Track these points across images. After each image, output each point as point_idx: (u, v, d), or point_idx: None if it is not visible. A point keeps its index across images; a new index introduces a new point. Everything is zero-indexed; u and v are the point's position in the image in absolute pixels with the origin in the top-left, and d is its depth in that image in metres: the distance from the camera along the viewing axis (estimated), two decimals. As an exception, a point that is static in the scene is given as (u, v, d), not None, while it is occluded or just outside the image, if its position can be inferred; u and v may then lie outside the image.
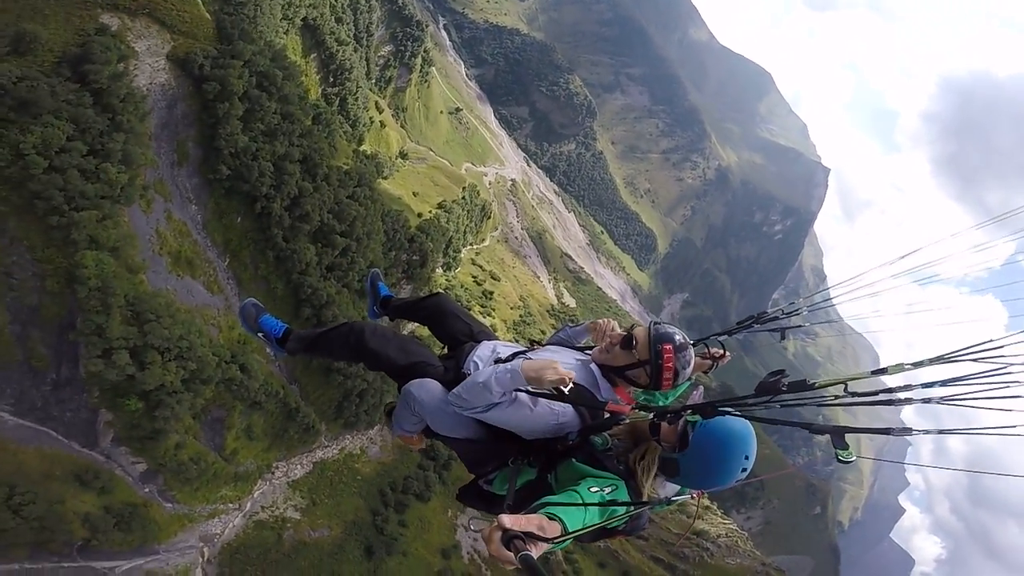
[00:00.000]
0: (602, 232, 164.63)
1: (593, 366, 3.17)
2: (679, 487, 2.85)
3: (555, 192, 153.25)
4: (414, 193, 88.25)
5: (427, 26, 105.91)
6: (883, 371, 2.18)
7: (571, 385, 2.79)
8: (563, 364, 2.94)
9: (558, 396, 2.83)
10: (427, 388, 3.14)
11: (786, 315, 3.74)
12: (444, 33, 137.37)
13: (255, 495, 38.71)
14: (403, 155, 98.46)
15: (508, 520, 1.78)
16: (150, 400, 29.07)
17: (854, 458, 2.15)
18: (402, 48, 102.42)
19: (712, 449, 2.62)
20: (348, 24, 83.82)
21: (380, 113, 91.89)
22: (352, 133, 75.32)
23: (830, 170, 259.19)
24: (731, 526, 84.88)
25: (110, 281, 26.07)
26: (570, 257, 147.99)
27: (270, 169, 35.69)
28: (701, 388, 3.46)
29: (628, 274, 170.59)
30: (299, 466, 42.81)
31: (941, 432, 2.07)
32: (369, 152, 76.33)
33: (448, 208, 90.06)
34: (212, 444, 35.69)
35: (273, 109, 36.89)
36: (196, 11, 37.50)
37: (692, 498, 2.78)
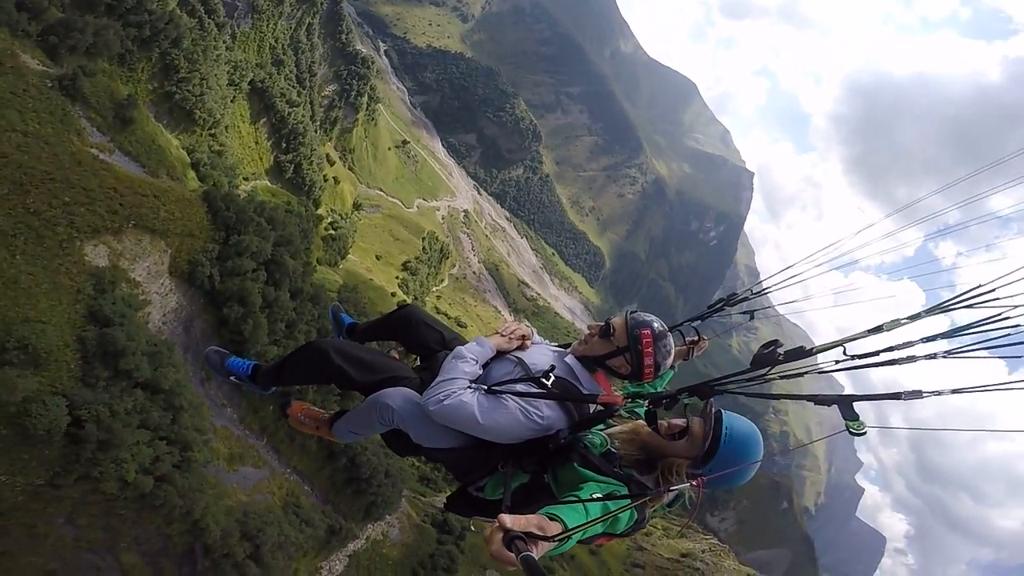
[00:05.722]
0: (553, 254, 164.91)
1: (569, 359, 3.05)
2: None
3: (506, 219, 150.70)
4: (377, 257, 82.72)
5: (372, 63, 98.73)
6: (879, 329, 2.04)
7: (553, 378, 2.80)
8: (539, 356, 3.00)
9: (541, 391, 2.76)
10: (402, 396, 2.94)
11: (754, 295, 3.70)
12: (385, 59, 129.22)
13: (311, 596, 43.81)
14: (357, 206, 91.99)
15: (509, 520, 1.74)
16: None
17: (866, 430, 1.98)
18: (347, 87, 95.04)
19: (739, 457, 2.54)
20: (290, 66, 76.01)
21: (331, 166, 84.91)
22: (308, 202, 68.70)
23: (754, 173, 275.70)
24: (712, 540, 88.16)
25: (228, 526, 29.60)
26: (527, 285, 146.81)
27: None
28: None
29: (580, 292, 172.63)
30: (337, 561, 45.28)
31: (955, 392, 1.87)
32: (334, 234, 70.01)
33: (413, 269, 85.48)
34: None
35: (288, 299, 34.61)
36: (179, 196, 32.05)
37: (693, 486, 2.46)
